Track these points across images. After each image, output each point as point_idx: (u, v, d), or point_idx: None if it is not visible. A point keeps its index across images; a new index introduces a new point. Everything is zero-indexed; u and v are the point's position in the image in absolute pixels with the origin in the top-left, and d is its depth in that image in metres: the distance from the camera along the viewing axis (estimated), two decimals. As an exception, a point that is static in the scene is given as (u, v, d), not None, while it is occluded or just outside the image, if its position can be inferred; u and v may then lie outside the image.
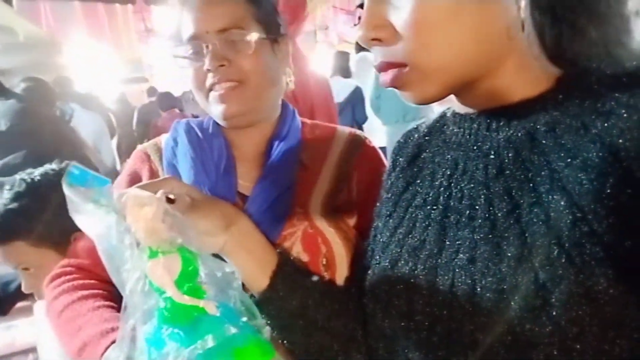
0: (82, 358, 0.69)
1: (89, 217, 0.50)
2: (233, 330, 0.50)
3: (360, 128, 3.68)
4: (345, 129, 0.91)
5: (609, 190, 0.41)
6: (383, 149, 4.07)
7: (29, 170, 1.25)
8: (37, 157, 1.63)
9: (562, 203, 0.43)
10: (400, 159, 0.67)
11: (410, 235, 0.57)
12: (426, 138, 0.64)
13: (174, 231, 0.50)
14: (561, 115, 0.47)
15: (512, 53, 0.49)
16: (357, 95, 3.87)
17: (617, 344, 0.40)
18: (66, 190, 0.50)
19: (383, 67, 0.52)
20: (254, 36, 0.78)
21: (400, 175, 0.64)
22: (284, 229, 0.75)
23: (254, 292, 0.63)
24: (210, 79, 0.78)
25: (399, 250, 0.57)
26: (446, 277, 0.51)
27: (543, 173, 0.46)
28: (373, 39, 0.50)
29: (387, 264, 0.58)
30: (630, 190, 0.40)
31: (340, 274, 0.75)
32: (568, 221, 0.42)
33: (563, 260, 0.42)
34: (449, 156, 0.57)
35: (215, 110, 0.80)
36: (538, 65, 0.50)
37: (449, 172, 0.56)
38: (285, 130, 0.85)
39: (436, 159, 0.60)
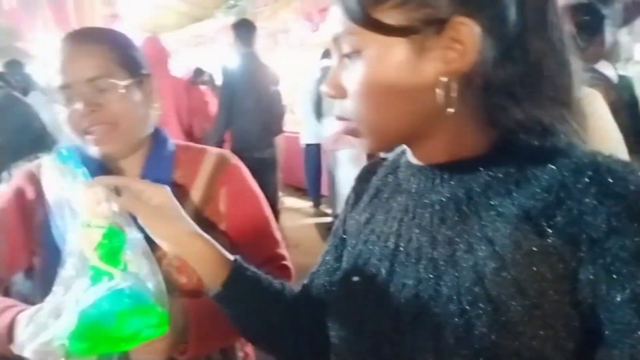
0: None
1: (55, 184, 0.64)
2: (127, 298, 0.60)
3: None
4: (213, 150, 1.05)
5: (522, 243, 0.51)
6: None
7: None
8: (21, 140, 1.94)
9: (487, 252, 0.52)
10: (365, 193, 0.74)
11: (366, 266, 0.65)
12: (386, 178, 0.71)
13: (116, 216, 0.63)
14: (492, 179, 0.56)
15: (445, 122, 0.56)
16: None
17: None
18: (50, 161, 0.64)
19: (338, 117, 0.61)
20: (120, 82, 0.89)
21: (364, 210, 0.72)
22: None
23: (210, 290, 0.71)
24: (84, 122, 0.87)
25: (357, 277, 0.65)
26: (393, 307, 0.58)
27: (475, 226, 0.55)
28: (330, 95, 0.60)
29: (346, 286, 0.67)
30: (539, 242, 0.50)
31: None
32: (491, 267, 0.51)
33: (485, 299, 0.50)
34: (401, 200, 0.65)
35: (92, 150, 0.89)
36: (473, 130, 0.58)
37: (399, 216, 0.63)
38: (157, 155, 0.98)
39: (390, 200, 0.67)
